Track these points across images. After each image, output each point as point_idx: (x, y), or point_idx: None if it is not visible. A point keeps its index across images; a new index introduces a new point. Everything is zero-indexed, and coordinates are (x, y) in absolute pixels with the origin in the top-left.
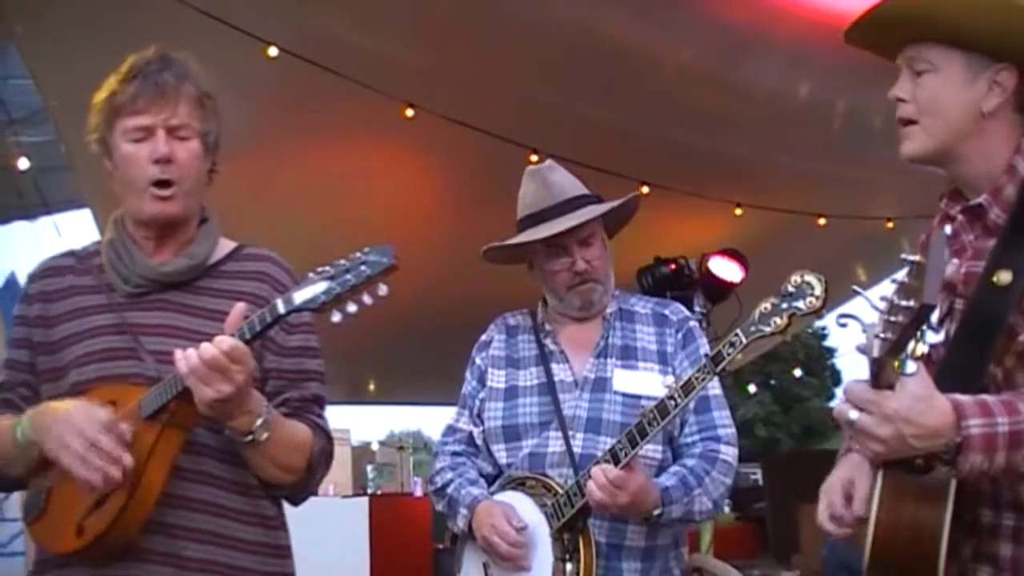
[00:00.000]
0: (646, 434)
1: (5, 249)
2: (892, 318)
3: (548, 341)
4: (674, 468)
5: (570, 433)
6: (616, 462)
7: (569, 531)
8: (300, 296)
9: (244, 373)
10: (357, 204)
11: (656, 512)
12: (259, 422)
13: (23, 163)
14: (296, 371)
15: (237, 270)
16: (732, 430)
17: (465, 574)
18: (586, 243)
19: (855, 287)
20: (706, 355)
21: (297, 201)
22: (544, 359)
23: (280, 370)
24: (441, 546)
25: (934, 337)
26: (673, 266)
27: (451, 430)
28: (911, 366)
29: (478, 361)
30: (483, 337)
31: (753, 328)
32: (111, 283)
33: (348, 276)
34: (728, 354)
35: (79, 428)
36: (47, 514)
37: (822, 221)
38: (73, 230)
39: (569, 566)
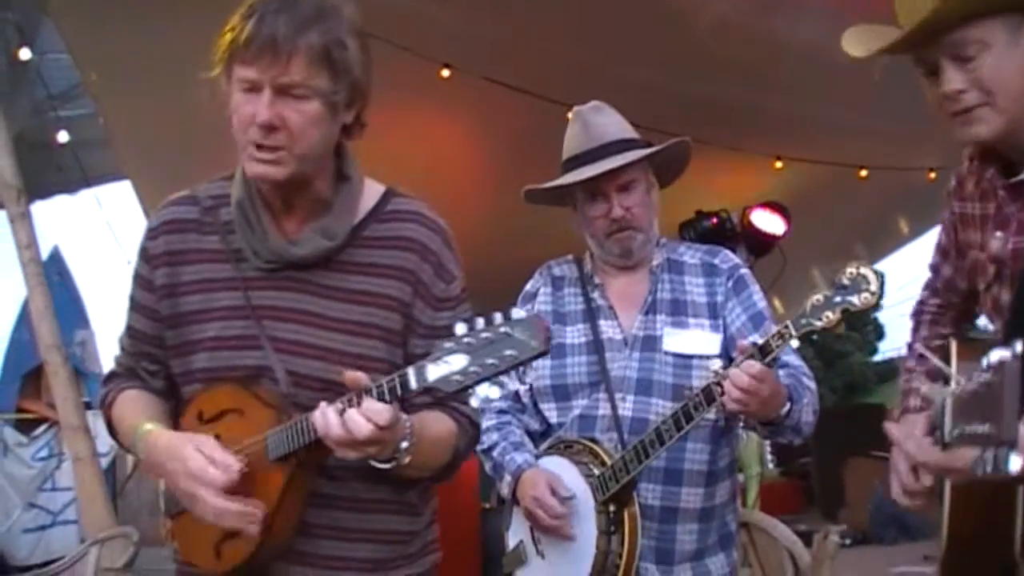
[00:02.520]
0: (691, 418)
1: (48, 223)
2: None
3: (596, 295)
4: (779, 374)
5: (619, 395)
6: (661, 441)
7: (614, 503)
8: (434, 372)
9: (395, 435)
10: (394, 167)
11: (784, 410)
12: (404, 445)
13: (63, 137)
14: None
15: (381, 235)
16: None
17: (513, 535)
18: (625, 189)
19: (943, 367)
20: (755, 344)
21: None
22: (591, 315)
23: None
24: (488, 506)
25: None
26: (715, 219)
27: None
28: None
29: None
30: (528, 288)
31: (804, 321)
32: (240, 250)
33: (491, 361)
34: (776, 346)
35: (202, 494)
36: (185, 515)
37: (863, 173)
38: (114, 202)
39: (613, 540)
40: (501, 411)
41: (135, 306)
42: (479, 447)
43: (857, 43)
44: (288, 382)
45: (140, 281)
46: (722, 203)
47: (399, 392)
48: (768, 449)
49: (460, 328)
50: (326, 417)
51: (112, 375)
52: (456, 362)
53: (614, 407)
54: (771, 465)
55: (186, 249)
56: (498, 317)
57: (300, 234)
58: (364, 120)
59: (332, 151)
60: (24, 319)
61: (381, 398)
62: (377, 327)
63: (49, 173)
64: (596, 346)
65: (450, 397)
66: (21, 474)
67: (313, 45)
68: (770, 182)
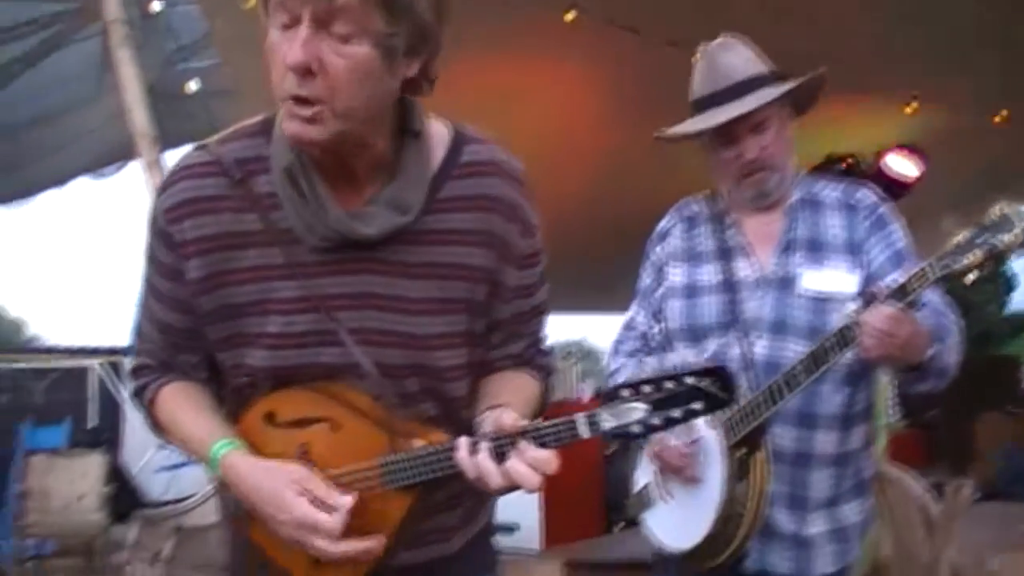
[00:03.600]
0: (826, 361)
1: None
2: None
3: (730, 233)
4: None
5: (754, 335)
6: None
7: (744, 447)
8: (608, 422)
9: None
10: (518, 117)
11: (929, 353)
12: None
13: (192, 87)
14: (527, 311)
15: (459, 196)
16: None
17: (639, 478)
18: (758, 129)
19: None
20: (895, 284)
21: (456, 118)
22: (725, 254)
23: (517, 315)
24: (610, 451)
25: None
26: (847, 163)
27: (627, 327)
28: None
29: (654, 255)
30: (660, 227)
31: (946, 261)
32: (291, 230)
33: (675, 412)
34: (917, 286)
35: (317, 544)
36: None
37: (1001, 115)
38: None
39: (741, 485)
40: (631, 352)
41: (160, 296)
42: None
43: None
44: (377, 378)
45: (163, 269)
46: (853, 147)
47: (566, 438)
48: (892, 400)
49: (647, 387)
50: (481, 467)
51: (142, 367)
52: (634, 411)
53: (747, 348)
54: (895, 417)
55: (222, 233)
56: (684, 369)
57: (365, 206)
58: (433, 75)
59: (389, 109)
60: None
61: (545, 439)
62: (461, 301)
63: (179, 122)
64: (730, 286)
65: (531, 350)
66: None
67: None
68: (902, 126)
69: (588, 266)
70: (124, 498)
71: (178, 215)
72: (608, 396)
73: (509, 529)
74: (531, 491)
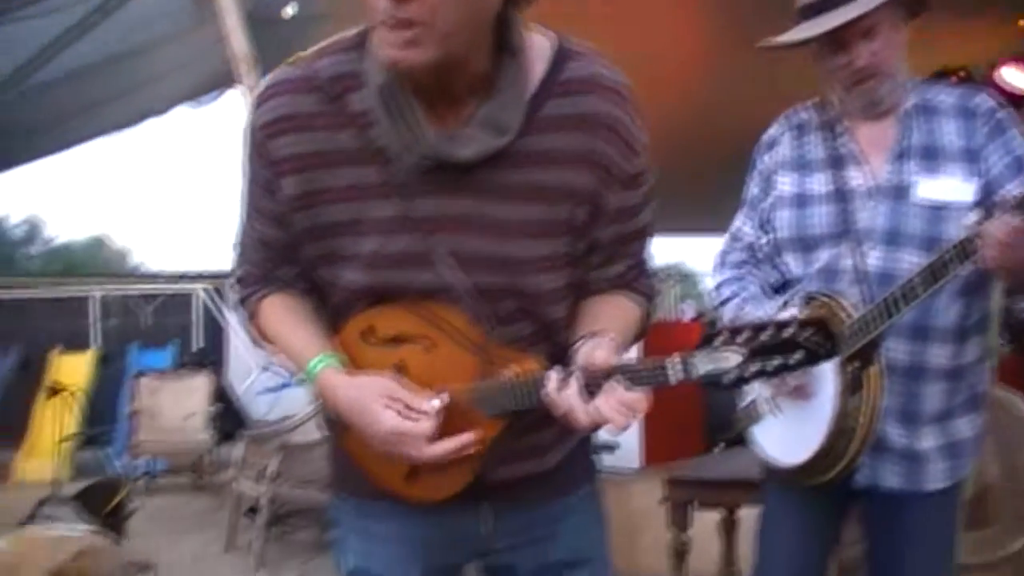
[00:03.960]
0: (944, 274)
1: None
2: None
3: (841, 141)
4: None
5: (867, 246)
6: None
7: (857, 361)
8: (701, 367)
9: None
10: (620, 34)
11: None
12: None
13: (289, 11)
14: (630, 233)
15: (560, 114)
16: None
17: (747, 392)
18: (869, 34)
19: None
20: (1021, 195)
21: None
22: (836, 162)
23: (619, 237)
24: None
25: None
26: (959, 76)
27: (734, 238)
28: None
29: (761, 164)
30: (767, 135)
31: None
32: (385, 149)
33: (770, 364)
34: None
35: (410, 452)
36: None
37: None
38: None
39: (853, 399)
40: (737, 264)
41: (258, 210)
42: (716, 297)
43: None
44: (473, 300)
45: (260, 184)
46: (965, 61)
47: (655, 384)
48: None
49: (744, 333)
50: (569, 402)
51: (245, 278)
52: (729, 360)
53: (860, 260)
54: (1001, 341)
55: (318, 150)
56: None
57: (462, 127)
58: None
59: (489, 26)
60: None
61: (639, 380)
62: (560, 223)
63: (276, 46)
64: (841, 195)
65: (634, 271)
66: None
67: None
68: (1015, 40)
69: (686, 188)
70: (229, 418)
71: (273, 131)
72: (704, 340)
73: (609, 448)
74: (618, 431)
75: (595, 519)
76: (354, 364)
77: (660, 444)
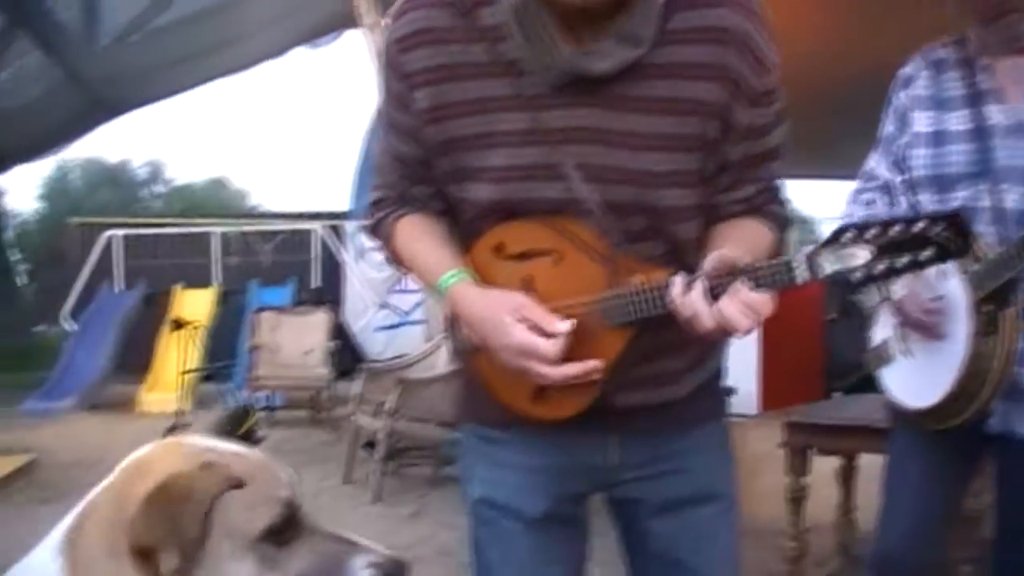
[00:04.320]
0: None
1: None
2: None
3: (981, 78)
4: None
5: (1006, 185)
6: None
7: (992, 303)
8: (828, 265)
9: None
10: None
11: None
12: None
13: None
14: (760, 154)
15: (688, 27)
16: None
17: (878, 332)
18: None
19: None
20: None
21: None
22: (975, 99)
23: (749, 157)
24: (832, 317)
25: None
26: None
27: (868, 176)
28: None
29: (897, 101)
30: (904, 72)
31: None
32: (516, 62)
33: (900, 260)
34: None
35: (536, 369)
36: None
37: None
38: None
39: (988, 342)
40: (868, 202)
41: (395, 127)
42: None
43: None
44: (602, 215)
45: (395, 99)
46: None
47: (780, 285)
48: None
49: (873, 230)
50: (693, 305)
51: (382, 200)
52: (857, 258)
53: (997, 200)
54: None
55: (450, 63)
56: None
57: (595, 42)
58: None
59: None
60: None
61: (763, 282)
62: (693, 137)
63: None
64: (980, 133)
65: (766, 193)
66: (374, 277)
67: None
68: None
69: (802, 131)
70: (347, 355)
71: (407, 45)
72: (831, 238)
73: (727, 392)
74: (742, 334)
75: (723, 457)
76: (484, 280)
77: (778, 390)
